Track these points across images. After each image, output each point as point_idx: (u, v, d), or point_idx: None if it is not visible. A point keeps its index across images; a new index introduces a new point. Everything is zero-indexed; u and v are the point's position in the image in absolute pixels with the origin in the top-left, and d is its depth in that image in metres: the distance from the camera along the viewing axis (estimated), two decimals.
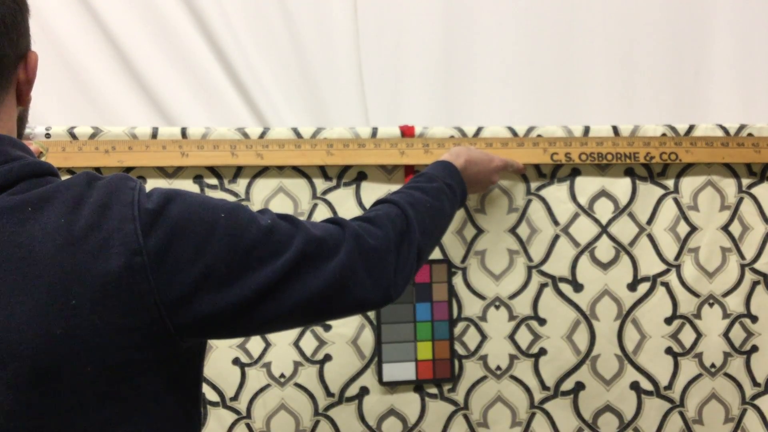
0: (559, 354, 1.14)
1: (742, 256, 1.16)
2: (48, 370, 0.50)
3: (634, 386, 1.15)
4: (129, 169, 1.05)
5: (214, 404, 1.08)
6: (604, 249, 1.14)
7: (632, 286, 1.14)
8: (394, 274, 0.71)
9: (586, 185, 1.14)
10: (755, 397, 1.17)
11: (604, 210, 1.14)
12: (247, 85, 1.20)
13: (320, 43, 1.22)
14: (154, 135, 1.05)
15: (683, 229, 1.15)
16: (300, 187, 1.10)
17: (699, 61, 1.30)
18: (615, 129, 1.13)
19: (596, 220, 1.14)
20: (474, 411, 1.13)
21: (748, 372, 1.17)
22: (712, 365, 1.16)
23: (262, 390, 1.09)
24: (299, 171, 1.10)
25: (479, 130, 1.11)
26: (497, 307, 1.13)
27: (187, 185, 1.08)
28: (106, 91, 1.19)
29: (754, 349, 1.17)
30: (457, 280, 1.13)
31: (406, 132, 1.09)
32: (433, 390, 1.13)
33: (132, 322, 0.53)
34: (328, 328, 1.11)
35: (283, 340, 1.10)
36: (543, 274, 1.14)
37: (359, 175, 1.11)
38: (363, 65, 1.23)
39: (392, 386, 1.11)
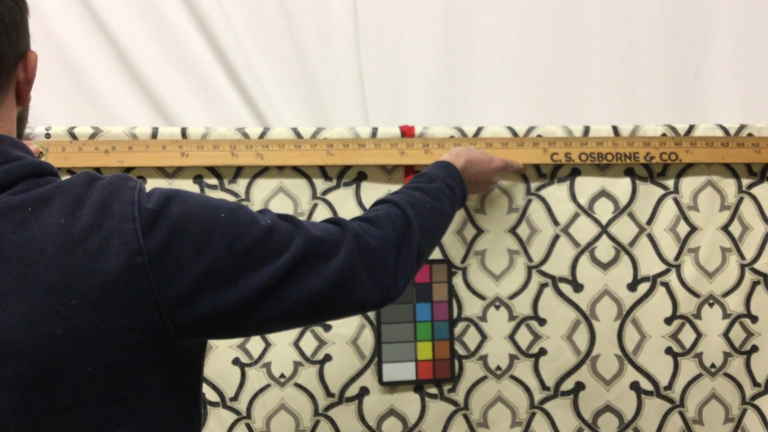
0: (559, 354, 1.14)
1: (742, 256, 1.16)
2: (48, 370, 0.50)
3: (634, 386, 1.15)
4: (129, 169, 1.05)
5: (214, 404, 1.08)
6: (604, 249, 1.14)
7: (632, 286, 1.14)
8: (394, 275, 0.71)
9: (586, 185, 1.14)
10: (755, 397, 1.17)
11: (604, 210, 1.14)
12: (247, 85, 1.20)
13: (320, 43, 1.22)
14: (154, 135, 1.05)
15: (683, 229, 1.15)
16: (300, 187, 1.10)
17: (699, 61, 1.30)
18: (615, 129, 1.13)
19: (596, 220, 1.14)
20: (474, 411, 1.13)
21: (748, 372, 1.17)
22: (712, 365, 1.16)
23: (262, 390, 1.09)
24: (299, 171, 1.10)
25: (479, 130, 1.11)
26: (497, 307, 1.13)
27: (187, 185, 1.07)
28: (106, 91, 1.19)
29: (754, 349, 1.17)
30: (457, 280, 1.13)
31: (406, 132, 1.09)
32: (433, 390, 1.13)
33: (132, 322, 0.53)
34: (328, 328, 1.11)
35: (283, 340, 1.10)
36: (543, 274, 1.14)
37: (359, 175, 1.11)
38: (363, 65, 1.23)
39: (392, 386, 1.11)
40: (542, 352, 1.14)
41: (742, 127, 1.14)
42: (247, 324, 0.60)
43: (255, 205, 1.08)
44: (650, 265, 1.14)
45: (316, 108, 1.23)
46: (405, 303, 1.11)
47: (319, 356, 1.10)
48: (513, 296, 1.13)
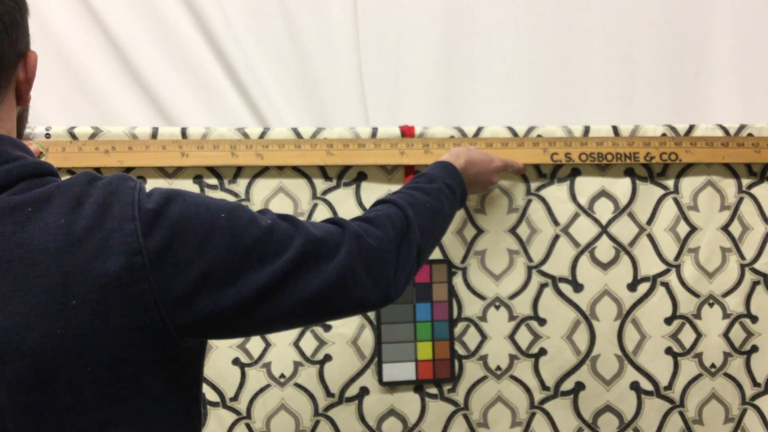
0: (559, 354, 1.14)
1: (742, 256, 1.16)
2: (48, 370, 0.50)
3: (634, 386, 1.15)
4: (129, 169, 1.05)
5: (214, 404, 1.08)
6: (604, 249, 1.14)
7: (632, 286, 1.14)
8: (394, 275, 0.71)
9: (586, 185, 1.14)
10: (755, 397, 1.17)
11: (604, 210, 1.14)
12: (247, 85, 1.20)
13: (320, 43, 1.22)
14: (154, 135, 1.05)
15: (683, 229, 1.15)
16: (300, 187, 1.10)
17: (699, 61, 1.30)
18: (615, 129, 1.13)
19: (596, 220, 1.14)
20: (474, 411, 1.13)
21: (748, 372, 1.17)
22: (712, 365, 1.16)
23: (262, 390, 1.09)
24: (299, 171, 1.10)
25: (479, 130, 1.11)
26: (497, 307, 1.13)
27: (187, 185, 1.07)
28: (106, 91, 1.19)
29: (754, 349, 1.17)
30: (457, 280, 1.13)
31: (406, 132, 1.09)
32: (433, 390, 1.13)
33: (132, 322, 0.53)
34: (328, 328, 1.11)
35: (283, 340, 1.10)
36: (543, 274, 1.14)
37: (359, 175, 1.11)
38: (363, 65, 1.23)
39: (392, 386, 1.11)
40: (542, 352, 1.14)
41: (742, 127, 1.14)
42: (247, 324, 0.60)
43: (255, 205, 1.08)
44: (650, 265, 1.14)
45: (316, 108, 1.23)
46: (405, 303, 1.11)
47: (319, 356, 1.10)
48: (513, 296, 1.13)
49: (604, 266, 1.14)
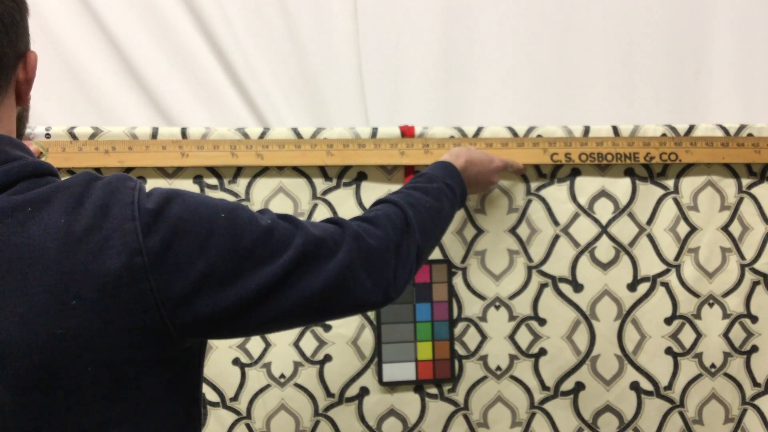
0: (559, 354, 1.14)
1: (742, 257, 1.16)
2: (48, 370, 0.50)
3: (634, 386, 1.15)
4: (129, 170, 1.05)
5: (214, 404, 1.08)
6: (604, 249, 1.14)
7: (632, 286, 1.14)
8: (394, 275, 0.71)
9: (586, 185, 1.14)
10: (755, 397, 1.17)
11: (604, 210, 1.14)
12: (247, 85, 1.20)
13: (320, 43, 1.22)
14: (154, 135, 1.05)
15: (683, 229, 1.15)
16: (300, 187, 1.10)
17: (699, 61, 1.30)
18: (615, 129, 1.13)
19: (596, 221, 1.14)
20: (474, 411, 1.13)
21: (748, 372, 1.17)
22: (712, 365, 1.16)
23: (262, 390, 1.09)
24: (299, 171, 1.10)
25: (479, 130, 1.11)
26: (497, 308, 1.13)
27: (187, 185, 1.07)
28: (106, 91, 1.19)
29: (754, 349, 1.17)
30: (457, 280, 1.13)
31: (406, 132, 1.09)
32: (433, 390, 1.13)
33: (132, 322, 0.53)
34: (328, 328, 1.11)
35: (283, 340, 1.10)
36: (543, 274, 1.14)
37: (359, 176, 1.11)
38: (363, 65, 1.23)
39: (392, 386, 1.11)
40: (542, 352, 1.14)
41: (742, 127, 1.14)
42: (247, 324, 0.60)
43: (255, 205, 1.08)
44: (650, 265, 1.14)
45: (316, 108, 1.23)
46: (405, 303, 1.11)
47: (319, 356, 1.10)
48: (513, 296, 1.13)
49: (604, 266, 1.14)
